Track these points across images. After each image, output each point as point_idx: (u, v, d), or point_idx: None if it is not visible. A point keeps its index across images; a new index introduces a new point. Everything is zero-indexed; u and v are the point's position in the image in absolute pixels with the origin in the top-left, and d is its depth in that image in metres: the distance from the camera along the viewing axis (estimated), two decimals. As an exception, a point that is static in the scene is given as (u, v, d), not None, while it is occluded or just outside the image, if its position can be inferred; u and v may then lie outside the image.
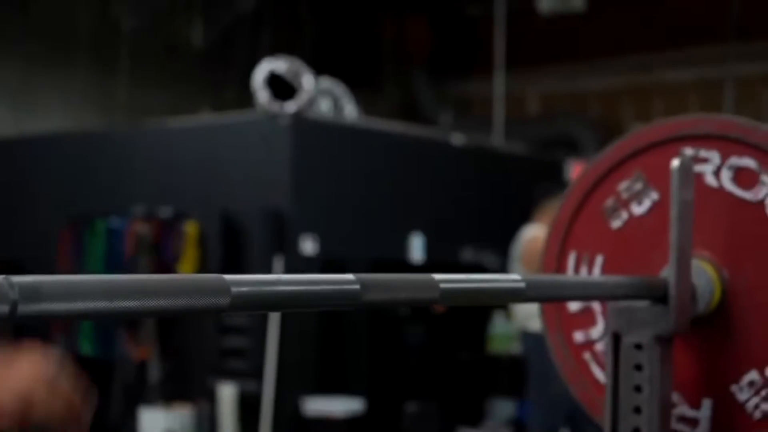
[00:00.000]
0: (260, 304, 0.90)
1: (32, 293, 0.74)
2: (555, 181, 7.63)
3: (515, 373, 7.10)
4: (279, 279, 0.92)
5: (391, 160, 7.37)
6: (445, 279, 1.09)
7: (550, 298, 1.43)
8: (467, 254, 7.67)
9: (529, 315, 5.95)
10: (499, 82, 9.67)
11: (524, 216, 6.23)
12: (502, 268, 7.06)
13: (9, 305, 0.73)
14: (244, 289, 0.88)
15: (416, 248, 7.31)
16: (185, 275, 0.87)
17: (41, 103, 9.62)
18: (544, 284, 1.27)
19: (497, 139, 9.38)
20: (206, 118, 8.77)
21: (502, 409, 7.39)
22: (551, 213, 5.84)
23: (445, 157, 7.77)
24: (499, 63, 9.64)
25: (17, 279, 0.74)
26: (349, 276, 0.99)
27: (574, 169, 8.27)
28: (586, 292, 1.40)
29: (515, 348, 7.20)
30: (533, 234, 5.87)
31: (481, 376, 7.50)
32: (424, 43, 12.00)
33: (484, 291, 1.17)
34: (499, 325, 7.52)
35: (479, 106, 11.52)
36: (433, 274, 1.09)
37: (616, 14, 10.87)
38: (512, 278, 1.21)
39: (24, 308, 0.73)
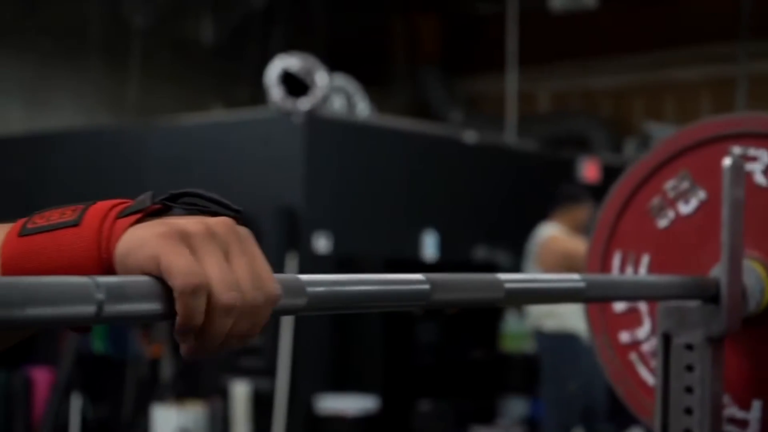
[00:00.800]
0: (335, 303, 0.89)
1: (118, 293, 0.73)
2: (568, 179, 7.61)
3: (528, 372, 7.09)
4: (352, 279, 0.92)
5: (404, 158, 7.36)
6: (509, 279, 1.08)
7: (609, 297, 1.42)
8: (480, 252, 7.65)
9: (542, 314, 5.92)
10: (511, 80, 9.65)
11: (537, 214, 6.20)
12: (515, 267, 7.04)
13: (96, 306, 0.71)
14: (320, 289, 0.87)
15: (429, 246, 7.30)
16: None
17: (53, 101, 9.61)
18: (604, 284, 1.26)
19: (510, 136, 9.36)
20: (218, 115, 8.76)
21: (515, 407, 7.37)
22: (571, 214, 5.87)
23: (458, 155, 7.75)
24: (511, 61, 9.61)
25: (103, 279, 0.72)
26: (419, 276, 0.98)
27: (587, 168, 8.25)
28: (641, 292, 1.39)
29: (528, 346, 7.18)
30: (550, 233, 5.84)
31: (494, 375, 7.49)
32: (435, 41, 11.98)
33: (545, 291, 1.16)
34: (512, 324, 7.51)
35: (489, 104, 11.50)
36: (498, 274, 1.08)
37: (627, 12, 10.84)
38: (573, 278, 1.19)
39: (110, 309, 0.72)
